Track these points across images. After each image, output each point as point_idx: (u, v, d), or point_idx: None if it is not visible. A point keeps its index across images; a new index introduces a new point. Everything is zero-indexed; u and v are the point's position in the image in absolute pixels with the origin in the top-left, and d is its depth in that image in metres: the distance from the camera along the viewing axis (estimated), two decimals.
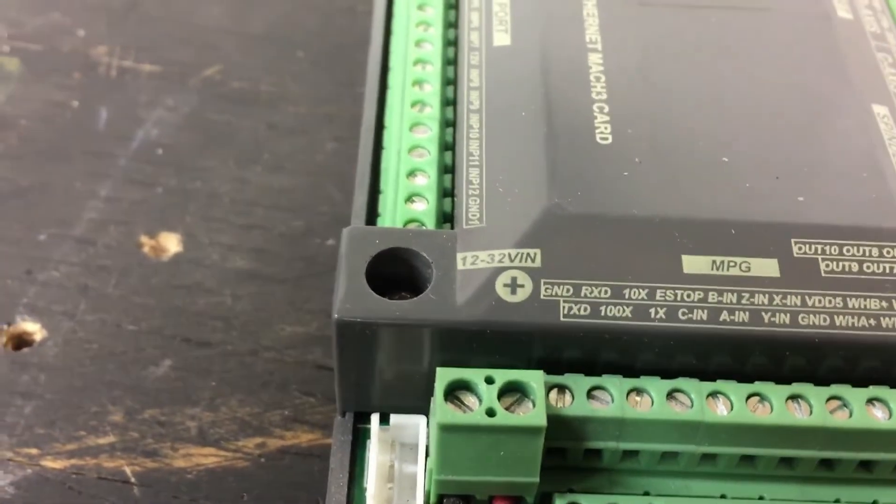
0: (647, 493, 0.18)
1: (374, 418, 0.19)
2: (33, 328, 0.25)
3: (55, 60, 0.31)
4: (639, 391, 0.17)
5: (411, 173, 0.20)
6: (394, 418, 0.19)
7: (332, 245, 0.26)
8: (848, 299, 0.18)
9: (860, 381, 0.17)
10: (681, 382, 0.17)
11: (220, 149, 0.29)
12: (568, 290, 0.18)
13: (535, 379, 0.17)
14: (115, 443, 0.22)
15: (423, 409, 0.18)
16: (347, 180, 0.22)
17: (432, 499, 0.18)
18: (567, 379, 0.17)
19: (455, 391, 0.17)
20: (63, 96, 0.30)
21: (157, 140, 0.29)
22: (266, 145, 0.29)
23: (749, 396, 0.17)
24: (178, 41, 0.32)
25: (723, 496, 0.18)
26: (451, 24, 0.24)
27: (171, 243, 0.27)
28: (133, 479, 0.22)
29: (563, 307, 0.17)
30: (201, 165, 0.28)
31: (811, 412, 0.17)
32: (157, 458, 0.22)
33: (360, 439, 0.19)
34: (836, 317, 0.17)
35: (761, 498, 0.18)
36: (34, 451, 0.22)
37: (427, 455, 0.18)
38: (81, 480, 0.22)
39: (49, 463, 0.22)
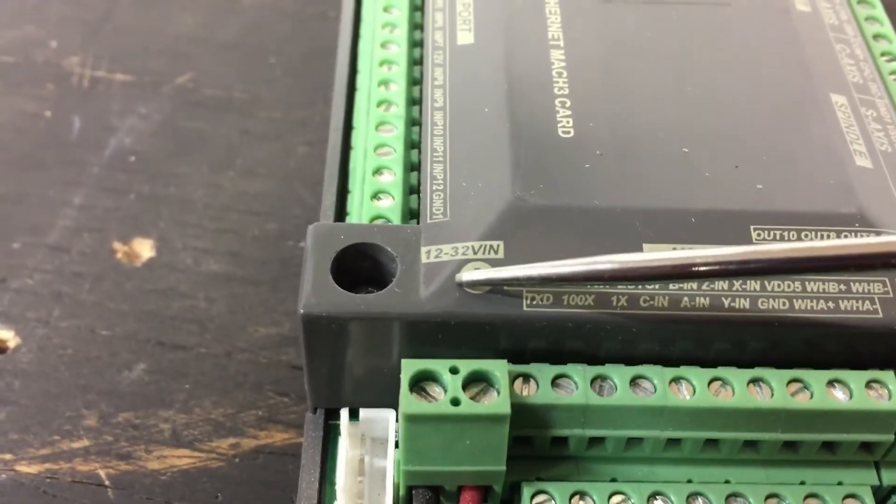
0: (614, 480, 0.18)
1: (344, 413, 0.19)
2: (7, 335, 0.25)
3: (28, 72, 0.31)
4: (602, 378, 0.17)
5: (377, 171, 0.20)
6: (363, 412, 0.19)
7: (304, 247, 0.26)
8: (807, 283, 0.18)
9: (821, 364, 0.18)
10: (644, 369, 0.17)
11: (193, 155, 0.29)
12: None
13: (498, 368, 0.17)
14: (89, 446, 0.23)
15: (393, 404, 0.18)
16: (320, 183, 0.22)
17: (402, 490, 0.18)
18: (531, 368, 0.17)
19: (420, 382, 0.17)
20: (36, 107, 0.30)
21: (130, 148, 0.29)
22: (239, 151, 0.29)
23: (711, 381, 0.17)
24: (150, 51, 0.32)
25: (689, 481, 0.18)
26: (417, 25, 0.24)
27: (145, 249, 0.27)
28: (107, 482, 0.22)
29: (527, 297, 0.18)
30: (174, 172, 0.29)
31: (772, 395, 0.17)
32: (131, 460, 0.22)
33: (331, 435, 0.20)
34: (795, 301, 0.18)
35: (727, 482, 0.18)
36: (8, 456, 0.22)
37: (397, 447, 0.18)
38: (56, 484, 0.22)
39: (23, 468, 0.22)
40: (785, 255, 0.15)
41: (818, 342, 0.18)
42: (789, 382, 0.17)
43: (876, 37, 0.24)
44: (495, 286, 0.17)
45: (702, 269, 0.16)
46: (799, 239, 0.18)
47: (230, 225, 0.27)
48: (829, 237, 0.18)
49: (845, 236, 0.18)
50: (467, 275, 0.17)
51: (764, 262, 0.15)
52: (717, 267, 0.16)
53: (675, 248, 0.18)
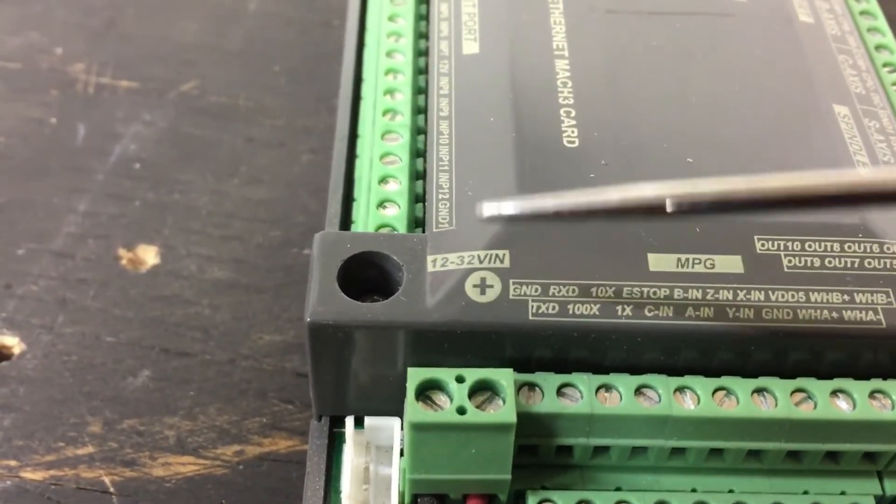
0: (618, 489, 0.18)
1: (349, 421, 0.19)
2: (12, 342, 0.25)
3: (33, 78, 0.32)
4: (607, 387, 0.17)
5: (383, 180, 0.21)
6: (368, 420, 0.19)
7: (308, 255, 0.26)
8: (810, 293, 0.18)
9: (825, 374, 0.18)
10: (648, 378, 0.18)
11: (198, 162, 0.29)
12: (536, 290, 0.18)
13: (504, 377, 0.17)
14: (93, 453, 0.23)
15: (398, 412, 0.19)
16: (324, 191, 0.22)
17: (407, 499, 0.18)
18: (537, 377, 0.18)
19: (427, 391, 0.17)
20: (41, 113, 0.30)
21: (135, 155, 0.29)
22: (243, 158, 0.29)
23: (715, 390, 0.17)
24: (155, 58, 0.32)
25: (693, 490, 0.18)
26: (422, 34, 0.24)
27: (149, 255, 0.27)
28: (112, 489, 0.22)
29: (532, 306, 0.18)
30: (179, 179, 0.29)
31: (776, 404, 0.17)
32: (135, 467, 0.22)
33: (335, 443, 0.20)
34: (799, 311, 0.18)
35: (731, 491, 0.18)
36: (13, 462, 0.22)
37: (402, 456, 0.18)
38: (60, 491, 0.22)
39: (28, 474, 0.22)
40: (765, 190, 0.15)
41: (822, 352, 0.18)
42: (793, 392, 0.17)
43: (878, 48, 0.24)
44: (517, 221, 0.17)
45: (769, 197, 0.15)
46: (802, 249, 0.18)
47: (234, 232, 0.27)
48: (832, 247, 0.18)
49: (848, 247, 0.18)
50: (488, 208, 0.17)
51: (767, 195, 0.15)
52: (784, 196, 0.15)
53: (678, 258, 0.18)
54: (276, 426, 0.23)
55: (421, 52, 0.23)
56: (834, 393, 0.17)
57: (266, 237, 0.27)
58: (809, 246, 0.18)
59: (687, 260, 0.18)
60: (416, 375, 0.17)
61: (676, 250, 0.18)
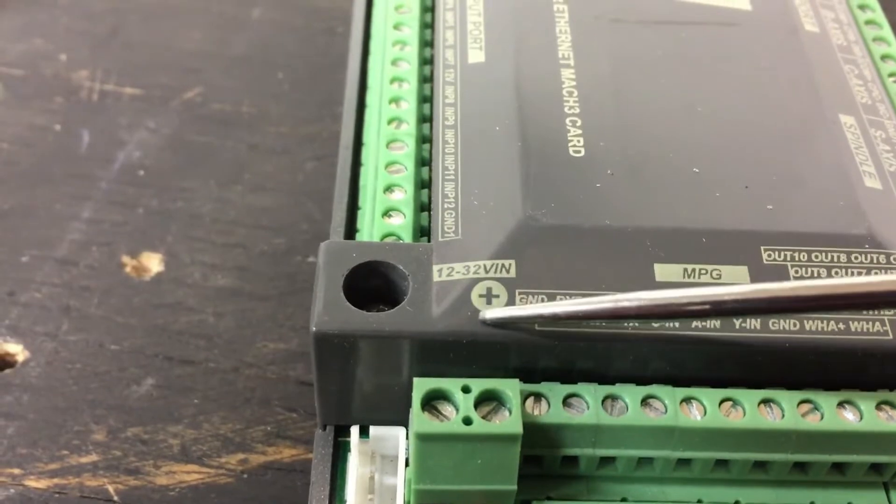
0: (624, 500, 0.18)
1: (354, 430, 0.19)
2: (16, 349, 0.25)
3: (37, 85, 0.32)
4: (614, 398, 0.17)
5: (388, 188, 0.21)
6: (373, 430, 0.19)
7: (313, 262, 0.27)
8: None
9: (831, 385, 0.18)
10: (655, 389, 0.17)
11: (202, 169, 0.29)
12: (542, 300, 0.18)
13: (510, 387, 0.17)
14: (97, 461, 0.23)
15: (403, 421, 0.18)
16: (328, 198, 0.22)
17: None
18: (543, 387, 0.17)
19: (432, 401, 0.17)
20: (45, 120, 0.30)
21: (139, 162, 0.29)
22: (247, 165, 0.29)
23: (722, 401, 0.17)
24: (159, 65, 0.32)
25: (699, 501, 0.18)
26: (427, 42, 0.24)
27: (153, 263, 0.27)
28: (116, 498, 0.22)
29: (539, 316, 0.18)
30: (183, 186, 0.29)
31: (783, 416, 0.17)
32: (139, 475, 0.22)
33: (340, 452, 0.20)
34: (805, 322, 0.18)
35: (737, 502, 0.18)
36: (17, 471, 0.22)
37: (407, 466, 0.18)
38: (64, 499, 0.22)
39: (32, 482, 0.22)
40: (813, 291, 0.15)
41: (828, 363, 0.18)
42: (800, 403, 0.17)
43: (884, 57, 0.24)
44: (519, 323, 0.17)
45: (730, 306, 0.16)
46: (809, 260, 0.18)
47: (238, 240, 0.27)
48: (838, 258, 0.18)
49: (855, 257, 0.18)
50: (491, 312, 0.17)
51: (791, 300, 0.15)
52: (744, 304, 0.16)
53: (685, 269, 0.18)
54: (281, 435, 0.23)
55: (426, 61, 0.23)
56: (841, 404, 0.17)
57: (270, 245, 0.27)
58: (816, 256, 0.18)
59: (693, 270, 0.18)
60: (421, 385, 0.17)
61: (683, 261, 0.18)
